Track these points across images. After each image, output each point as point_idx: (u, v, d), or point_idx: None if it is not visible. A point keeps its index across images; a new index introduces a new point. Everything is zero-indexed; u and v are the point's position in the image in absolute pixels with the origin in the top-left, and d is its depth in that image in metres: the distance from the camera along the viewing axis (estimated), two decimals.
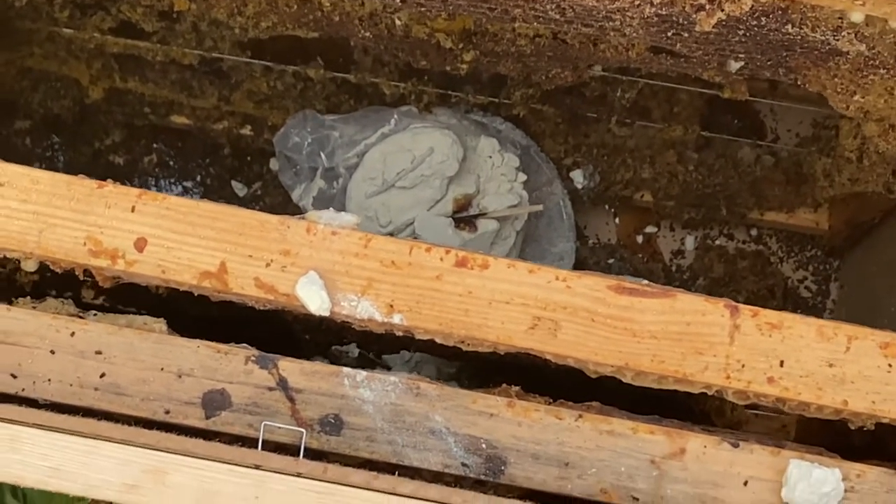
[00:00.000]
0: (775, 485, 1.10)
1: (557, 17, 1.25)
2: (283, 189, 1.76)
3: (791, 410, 1.11)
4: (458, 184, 1.66)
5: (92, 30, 1.72)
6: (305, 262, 1.10)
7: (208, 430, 1.10)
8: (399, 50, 1.54)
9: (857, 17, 1.18)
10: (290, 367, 1.11)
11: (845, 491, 1.09)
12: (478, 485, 1.12)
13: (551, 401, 1.14)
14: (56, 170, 1.15)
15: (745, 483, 1.10)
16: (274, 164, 1.88)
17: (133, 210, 1.11)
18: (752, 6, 1.18)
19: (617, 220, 1.94)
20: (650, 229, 1.94)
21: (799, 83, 1.30)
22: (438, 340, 1.11)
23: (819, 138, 1.84)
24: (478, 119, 1.77)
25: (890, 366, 1.10)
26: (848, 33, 1.20)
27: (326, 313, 1.09)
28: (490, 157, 1.69)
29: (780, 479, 1.10)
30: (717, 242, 1.93)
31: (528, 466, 1.10)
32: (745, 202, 1.83)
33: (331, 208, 1.18)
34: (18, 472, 1.03)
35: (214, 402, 1.10)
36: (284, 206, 1.84)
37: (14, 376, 1.10)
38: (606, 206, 1.93)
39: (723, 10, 1.19)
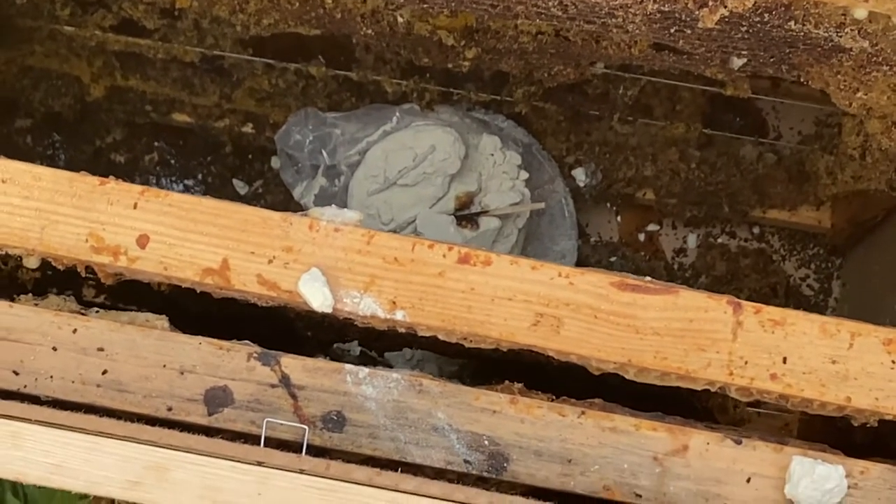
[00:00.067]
0: (778, 481, 1.10)
1: (560, 13, 1.25)
2: (285, 187, 1.76)
3: (794, 407, 1.11)
4: (459, 182, 1.65)
5: (93, 27, 1.71)
6: (308, 259, 1.10)
7: (210, 426, 1.10)
8: (401, 47, 1.54)
9: (860, 13, 1.18)
10: (293, 364, 1.11)
11: (848, 487, 1.09)
12: (480, 482, 1.12)
13: (554, 398, 1.14)
14: (57, 168, 1.15)
15: (748, 480, 1.10)
16: (275, 162, 1.88)
17: (135, 207, 1.10)
18: (755, 2, 1.18)
19: (619, 217, 1.94)
20: (652, 227, 1.94)
21: (802, 80, 1.30)
22: (441, 337, 1.10)
23: (821, 136, 1.84)
24: (480, 117, 1.77)
25: (893, 362, 1.10)
26: (851, 30, 1.20)
27: (329, 310, 1.09)
28: (492, 154, 1.69)
29: (784, 475, 1.10)
30: (720, 240, 1.93)
31: (531, 463, 1.10)
32: (748, 200, 1.83)
33: (333, 205, 1.18)
34: (21, 468, 1.03)
35: (217, 398, 1.10)
36: (286, 204, 1.84)
37: (16, 373, 1.10)
38: (608, 204, 1.93)
39: (726, 7, 1.19)
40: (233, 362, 1.11)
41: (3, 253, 1.12)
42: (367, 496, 1.03)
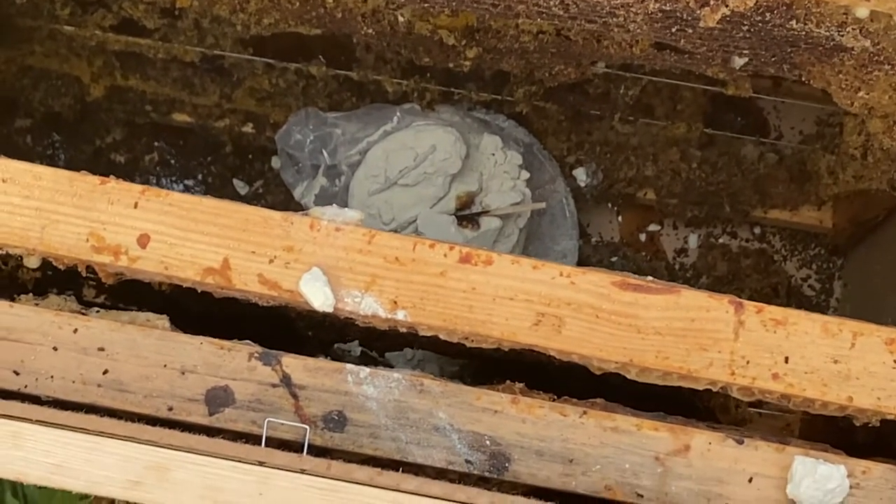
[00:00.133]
0: (780, 481, 1.10)
1: (561, 13, 1.25)
2: (285, 187, 1.76)
3: (796, 407, 1.11)
4: (460, 181, 1.65)
5: (93, 27, 1.71)
6: (309, 259, 1.10)
7: (212, 426, 1.10)
8: (402, 47, 1.54)
9: (861, 12, 1.18)
10: (294, 364, 1.10)
11: (850, 487, 1.09)
12: (482, 481, 1.12)
13: (555, 398, 1.14)
14: (57, 168, 1.15)
15: (750, 480, 1.10)
16: (276, 161, 1.88)
17: (136, 206, 1.10)
18: (757, 2, 1.18)
19: (620, 217, 1.94)
20: (653, 227, 1.94)
21: (803, 79, 1.29)
22: (442, 337, 1.10)
23: (823, 135, 1.84)
24: (480, 116, 1.76)
25: (895, 362, 1.10)
26: (853, 29, 1.20)
27: (330, 310, 1.09)
28: (493, 154, 1.69)
29: (785, 475, 1.10)
30: (721, 240, 1.93)
31: (533, 463, 1.10)
32: (749, 200, 1.83)
33: (334, 205, 1.18)
34: (21, 468, 1.03)
35: (218, 398, 1.10)
36: (286, 204, 1.84)
37: (17, 373, 1.10)
38: (609, 204, 1.92)
39: (727, 6, 1.19)
40: (234, 362, 1.10)
41: (4, 253, 1.12)
42: (369, 496, 1.03)
